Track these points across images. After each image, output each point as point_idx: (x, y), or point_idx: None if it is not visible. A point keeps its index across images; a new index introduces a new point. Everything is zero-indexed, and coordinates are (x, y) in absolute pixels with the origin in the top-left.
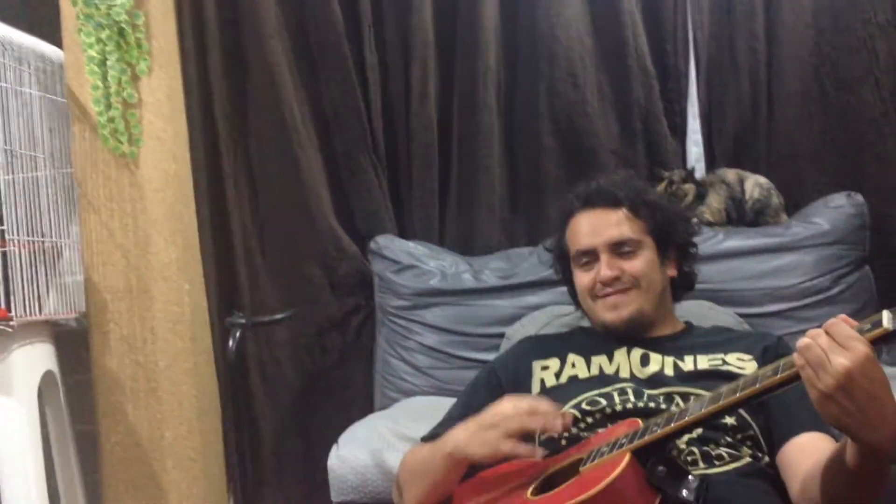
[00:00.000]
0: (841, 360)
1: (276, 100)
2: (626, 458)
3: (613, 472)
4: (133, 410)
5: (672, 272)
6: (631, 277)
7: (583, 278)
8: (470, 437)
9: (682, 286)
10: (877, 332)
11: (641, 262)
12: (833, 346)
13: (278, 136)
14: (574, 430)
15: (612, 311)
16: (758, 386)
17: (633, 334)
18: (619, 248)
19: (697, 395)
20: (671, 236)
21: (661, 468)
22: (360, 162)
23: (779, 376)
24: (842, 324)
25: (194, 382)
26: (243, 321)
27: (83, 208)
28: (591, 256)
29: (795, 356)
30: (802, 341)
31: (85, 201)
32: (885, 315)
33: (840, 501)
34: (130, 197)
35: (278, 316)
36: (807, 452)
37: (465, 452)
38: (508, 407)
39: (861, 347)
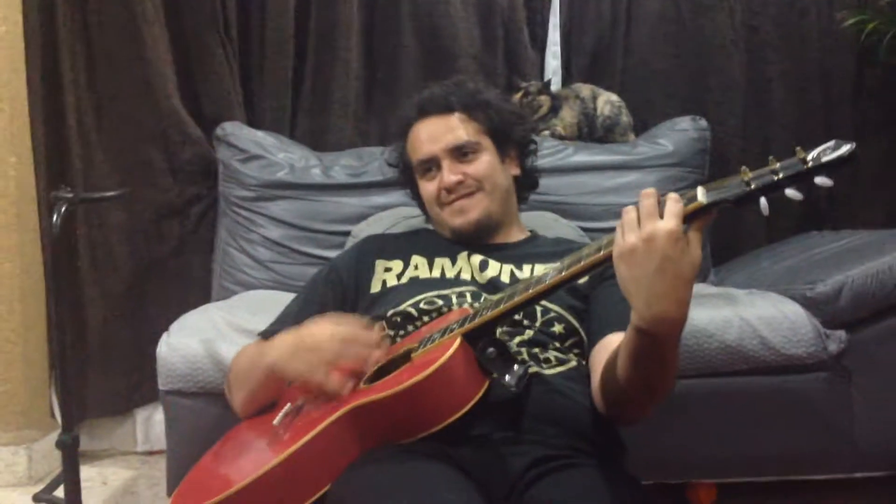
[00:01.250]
0: (650, 225)
1: None
2: (457, 341)
3: (444, 354)
4: None
5: (514, 171)
6: (474, 180)
7: (427, 187)
8: (289, 356)
9: (527, 186)
10: (692, 206)
11: (483, 164)
12: (650, 214)
13: (121, 7)
14: (410, 328)
15: (459, 215)
16: (581, 264)
17: (480, 238)
18: (459, 153)
19: (524, 280)
20: (509, 134)
21: (491, 350)
22: (209, 42)
23: (601, 253)
24: (671, 200)
25: (18, 261)
26: (70, 195)
27: None
28: (432, 164)
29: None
30: (630, 206)
31: None
32: (700, 190)
33: (619, 385)
34: None
35: (109, 193)
36: (608, 349)
37: (281, 370)
38: (326, 333)
39: (672, 222)
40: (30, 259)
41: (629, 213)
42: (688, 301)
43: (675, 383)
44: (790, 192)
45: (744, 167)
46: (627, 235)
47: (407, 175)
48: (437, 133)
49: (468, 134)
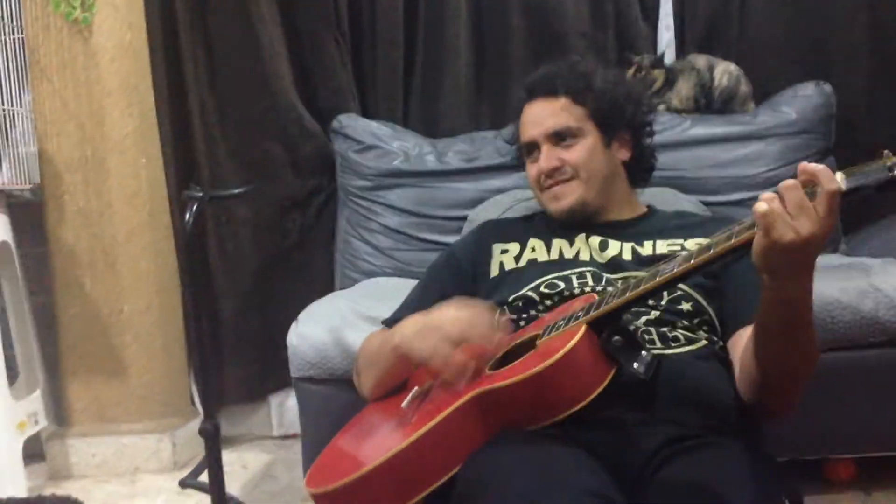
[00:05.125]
0: (807, 222)
1: None
2: (583, 328)
3: (570, 341)
4: (91, 284)
5: (624, 155)
6: (571, 167)
7: (530, 170)
8: (413, 337)
9: (641, 168)
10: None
11: (581, 151)
12: (803, 208)
13: (238, 9)
14: (532, 313)
15: (554, 201)
16: (712, 252)
17: (585, 221)
18: (559, 138)
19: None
20: (618, 119)
21: (617, 338)
22: (322, 38)
23: (733, 241)
24: (828, 195)
25: (153, 258)
26: (200, 194)
27: (35, 76)
28: (534, 147)
29: (758, 205)
30: (768, 193)
31: (37, 69)
32: (839, 176)
33: (769, 367)
34: (84, 66)
35: (237, 190)
36: (746, 339)
37: (407, 349)
38: (450, 315)
39: (832, 220)
40: (164, 256)
41: (773, 203)
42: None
43: (818, 358)
44: None
45: (886, 151)
46: (782, 231)
47: (520, 154)
48: (539, 117)
49: (570, 119)
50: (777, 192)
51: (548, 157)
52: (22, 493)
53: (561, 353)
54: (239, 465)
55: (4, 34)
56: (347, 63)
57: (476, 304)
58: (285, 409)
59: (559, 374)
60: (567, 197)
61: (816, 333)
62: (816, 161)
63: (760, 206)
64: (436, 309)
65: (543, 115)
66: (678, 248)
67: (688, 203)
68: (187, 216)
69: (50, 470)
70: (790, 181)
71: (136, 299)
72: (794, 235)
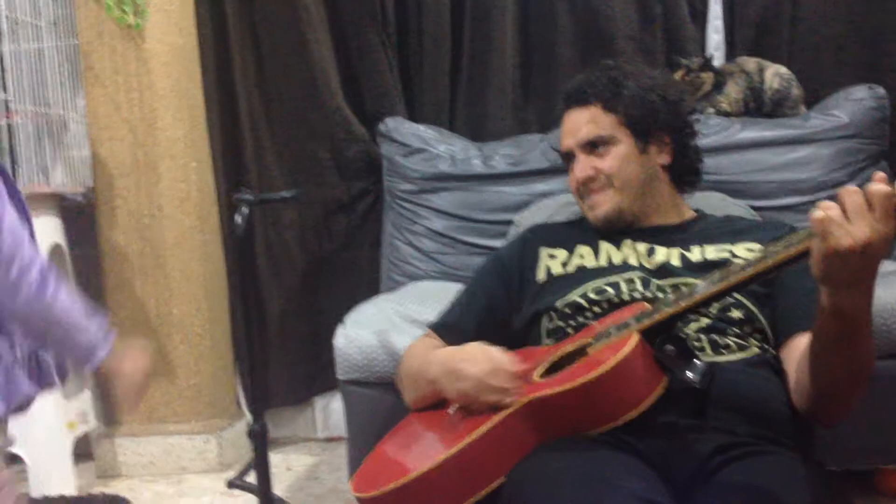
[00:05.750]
0: (866, 228)
1: None
2: (635, 337)
3: (622, 350)
4: (141, 286)
5: (664, 159)
6: (605, 175)
7: (570, 178)
8: (445, 379)
9: (684, 171)
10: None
11: (613, 159)
12: (863, 213)
13: (286, 13)
14: (581, 319)
15: (591, 210)
16: (769, 261)
17: (626, 227)
18: (592, 146)
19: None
20: (652, 123)
21: (669, 347)
22: (369, 41)
23: (791, 251)
24: (885, 197)
25: (202, 260)
26: (250, 198)
27: (89, 81)
28: (572, 157)
29: (815, 211)
30: (826, 203)
31: (91, 74)
32: None
33: (819, 379)
34: (137, 71)
35: (285, 194)
36: (801, 348)
37: (441, 390)
38: (474, 370)
39: (892, 224)
40: (213, 258)
41: (834, 210)
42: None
43: (874, 366)
44: None
45: None
46: (841, 238)
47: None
48: (574, 126)
49: (601, 128)
50: (837, 198)
51: (582, 166)
52: (71, 492)
53: (614, 361)
54: (283, 467)
55: (59, 39)
56: (394, 66)
57: (500, 355)
58: (330, 411)
59: (611, 383)
60: (602, 206)
61: (874, 344)
62: (869, 165)
63: (817, 213)
64: (463, 356)
65: (577, 124)
66: (728, 253)
67: (737, 208)
68: (237, 219)
69: (98, 469)
70: (851, 187)
71: (185, 302)
72: (851, 241)
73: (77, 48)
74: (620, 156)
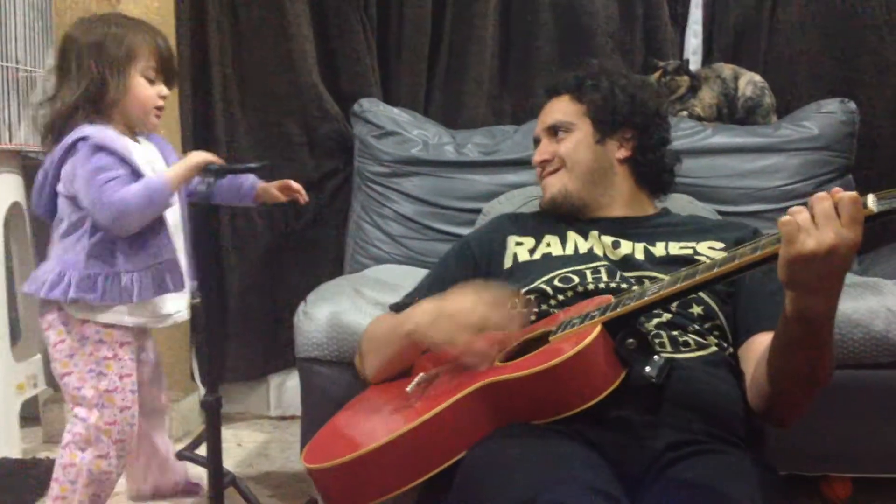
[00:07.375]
0: (831, 233)
1: None
2: (597, 328)
3: (583, 340)
4: None
5: (622, 154)
6: (559, 159)
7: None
8: (430, 322)
9: (647, 170)
10: (863, 212)
11: (569, 143)
12: (830, 219)
13: None
14: (544, 307)
15: (544, 192)
16: (736, 262)
17: (577, 213)
18: (554, 133)
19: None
20: (614, 117)
21: (630, 340)
22: (349, 21)
23: (758, 254)
24: (851, 203)
25: None
26: (216, 168)
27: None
28: (538, 142)
29: (783, 219)
30: (795, 208)
31: (62, 32)
32: (871, 198)
33: (775, 380)
34: None
35: (251, 165)
36: (759, 348)
37: (423, 337)
38: (470, 300)
39: (857, 230)
40: None
41: (801, 215)
42: (840, 290)
43: (832, 375)
44: None
45: None
46: (805, 241)
47: None
48: (544, 115)
49: (566, 115)
50: (806, 204)
51: (541, 150)
52: (16, 455)
53: (574, 350)
54: (234, 443)
55: None
56: (373, 48)
57: (493, 289)
58: (284, 389)
59: (570, 372)
60: (551, 187)
61: (833, 351)
62: (835, 178)
63: (785, 216)
64: (452, 294)
65: (547, 112)
66: (690, 251)
67: (703, 210)
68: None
69: (45, 434)
70: (822, 193)
71: None
72: (814, 245)
73: (50, 4)
74: (576, 141)
